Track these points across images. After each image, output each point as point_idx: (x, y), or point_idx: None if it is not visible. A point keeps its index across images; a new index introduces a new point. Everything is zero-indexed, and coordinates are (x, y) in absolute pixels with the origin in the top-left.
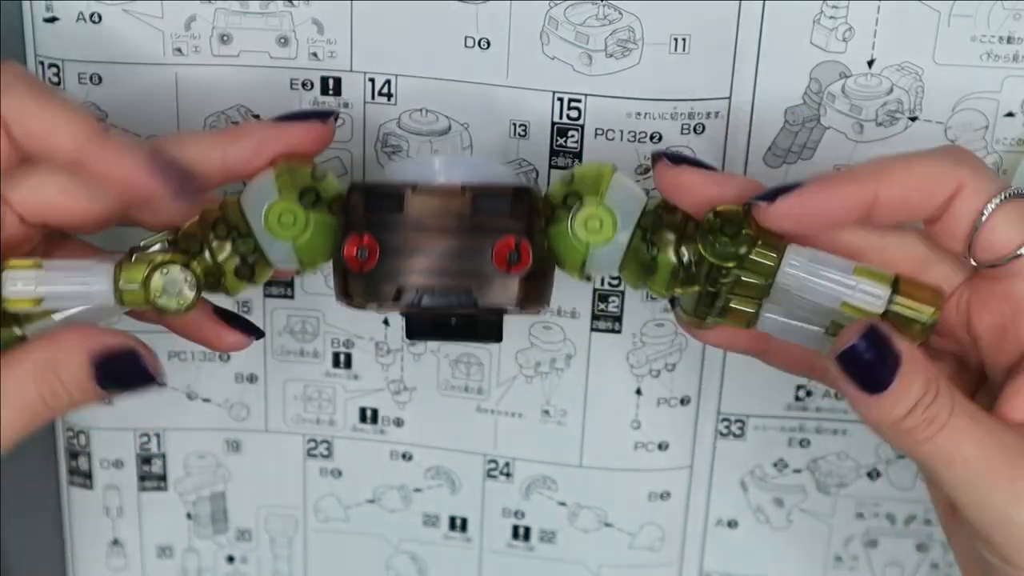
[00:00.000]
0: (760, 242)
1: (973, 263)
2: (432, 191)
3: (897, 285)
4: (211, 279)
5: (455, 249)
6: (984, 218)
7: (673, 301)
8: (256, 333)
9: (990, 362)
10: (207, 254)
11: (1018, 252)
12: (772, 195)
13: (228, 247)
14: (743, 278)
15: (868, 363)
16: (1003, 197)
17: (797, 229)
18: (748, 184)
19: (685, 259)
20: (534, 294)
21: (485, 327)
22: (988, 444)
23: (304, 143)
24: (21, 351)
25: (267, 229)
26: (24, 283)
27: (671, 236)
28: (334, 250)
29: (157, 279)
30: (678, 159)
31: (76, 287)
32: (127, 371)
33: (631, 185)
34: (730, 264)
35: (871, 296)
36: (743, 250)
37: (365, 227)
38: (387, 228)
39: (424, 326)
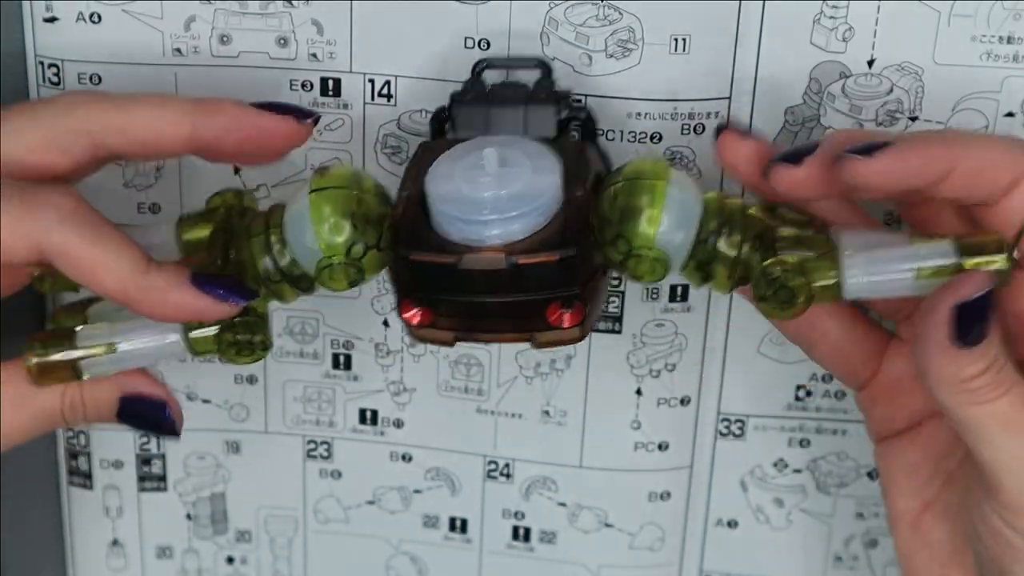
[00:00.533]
0: (813, 282)
1: (1016, 255)
2: (478, 263)
3: (959, 242)
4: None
5: (508, 310)
6: None
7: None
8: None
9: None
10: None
11: None
12: (867, 150)
13: (289, 288)
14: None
15: (976, 317)
16: None
17: (884, 187)
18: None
19: (742, 255)
20: (588, 326)
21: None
22: None
23: (275, 136)
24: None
25: (323, 285)
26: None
27: (726, 263)
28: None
29: (231, 351)
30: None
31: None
32: (150, 417)
33: (688, 192)
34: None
35: (939, 252)
36: (802, 299)
37: (419, 298)
38: (440, 301)
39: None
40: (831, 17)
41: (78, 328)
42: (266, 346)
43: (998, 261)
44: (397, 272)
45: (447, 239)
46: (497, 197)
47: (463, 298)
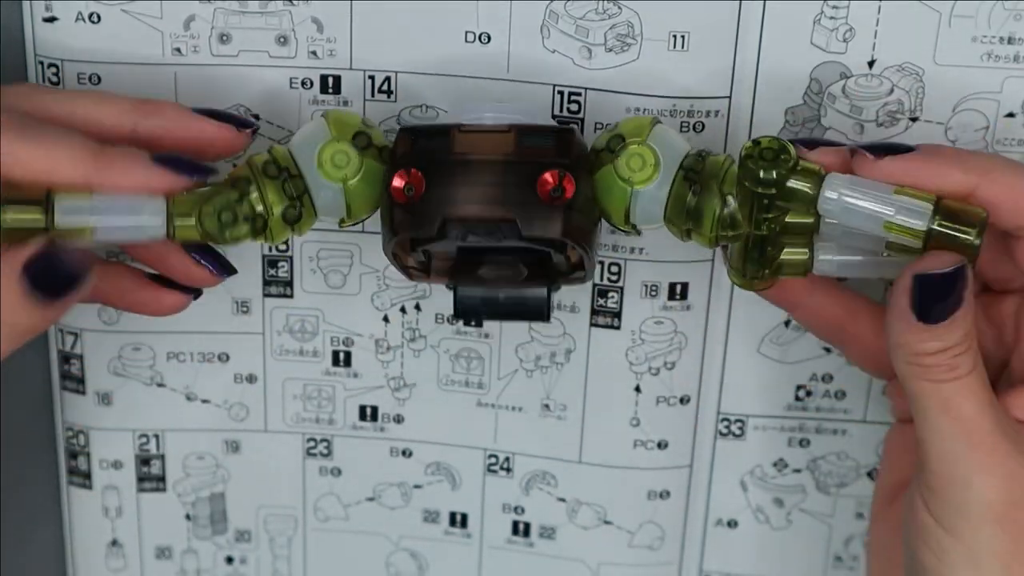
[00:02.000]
0: (799, 168)
1: None
2: (478, 129)
3: (939, 205)
4: (258, 222)
5: (500, 182)
6: None
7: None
8: (221, 270)
9: (1017, 365)
10: (256, 195)
11: None
12: (880, 150)
13: (277, 187)
14: (787, 219)
15: (939, 295)
16: None
17: None
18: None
19: (729, 206)
20: (577, 230)
21: (533, 304)
22: (987, 412)
23: (213, 142)
24: None
25: (320, 170)
26: (78, 214)
27: (713, 182)
28: (382, 191)
29: (210, 210)
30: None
31: (129, 219)
32: (55, 272)
33: (674, 134)
34: (770, 191)
35: (915, 212)
36: (782, 173)
37: (412, 163)
38: (433, 163)
39: (473, 302)
40: (832, 17)
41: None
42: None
43: (970, 234)
44: (395, 150)
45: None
46: (499, 107)
47: (458, 168)
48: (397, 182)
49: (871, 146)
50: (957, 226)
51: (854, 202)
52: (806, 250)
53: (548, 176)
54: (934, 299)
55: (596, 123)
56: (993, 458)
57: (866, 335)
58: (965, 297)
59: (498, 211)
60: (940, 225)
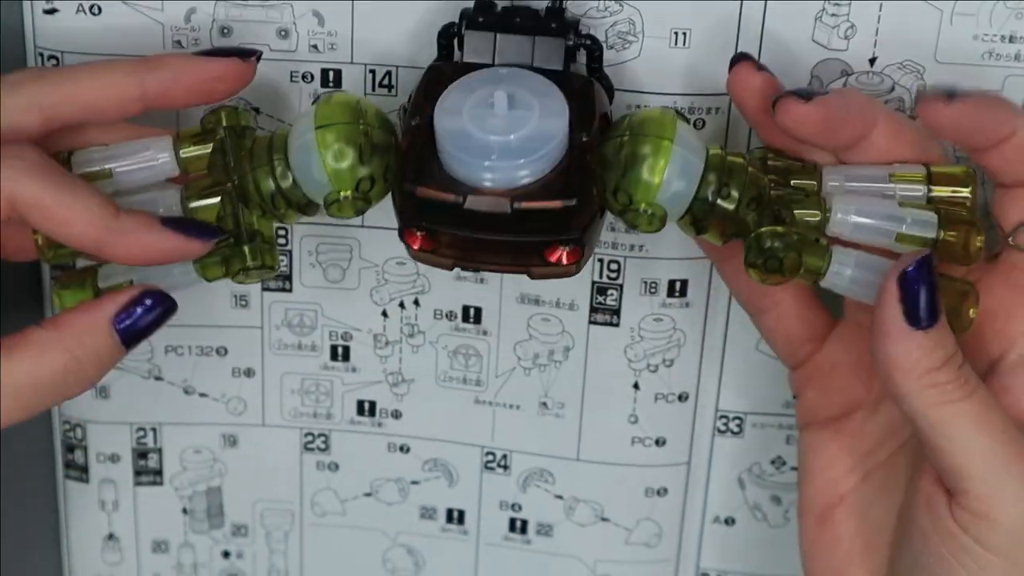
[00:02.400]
0: (805, 263)
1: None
2: (481, 205)
3: (942, 213)
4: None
5: (507, 248)
6: None
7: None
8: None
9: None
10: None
11: None
12: (943, 95)
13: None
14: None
15: (920, 290)
16: None
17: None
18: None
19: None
20: (583, 264)
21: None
22: (1009, 420)
23: (224, 78)
24: (37, 350)
25: (330, 215)
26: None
27: (725, 200)
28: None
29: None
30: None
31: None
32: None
33: (690, 157)
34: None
35: (925, 223)
36: (787, 273)
37: (420, 226)
38: (441, 227)
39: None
40: (833, 15)
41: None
42: (273, 268)
43: (964, 192)
44: (402, 201)
45: (453, 176)
46: (505, 143)
47: (464, 233)
48: (409, 239)
49: (933, 92)
50: (948, 191)
51: (864, 221)
52: (823, 260)
53: (552, 251)
54: (916, 293)
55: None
56: None
57: (783, 303)
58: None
59: (509, 266)
60: (947, 235)
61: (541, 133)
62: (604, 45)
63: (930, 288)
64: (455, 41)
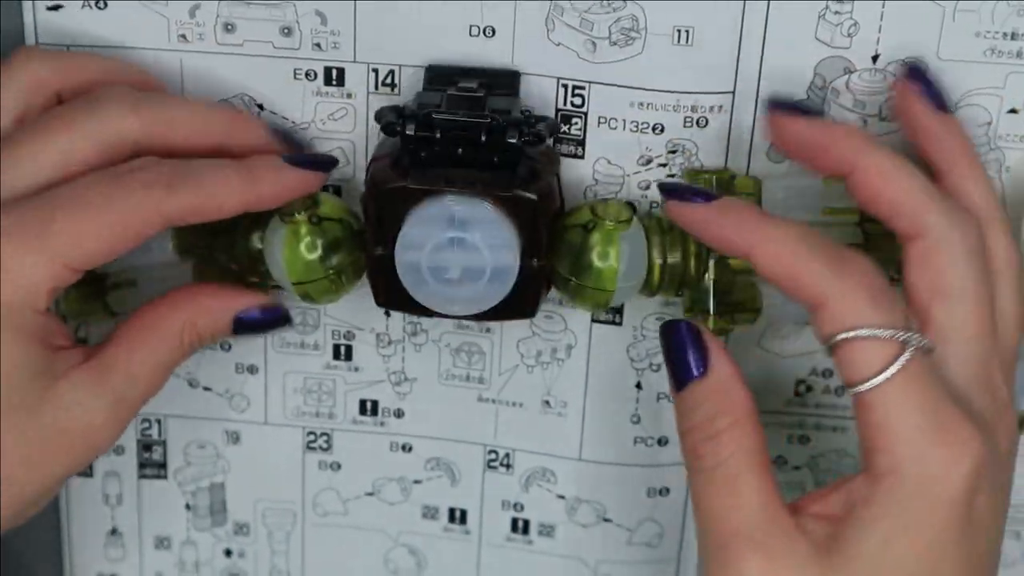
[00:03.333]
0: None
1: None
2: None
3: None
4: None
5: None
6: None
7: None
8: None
9: None
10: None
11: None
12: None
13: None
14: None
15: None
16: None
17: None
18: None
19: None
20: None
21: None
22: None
23: (309, 187)
24: (160, 317)
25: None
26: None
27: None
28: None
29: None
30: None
31: None
32: (263, 326)
33: (636, 260)
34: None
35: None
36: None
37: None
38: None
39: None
40: (836, 12)
41: None
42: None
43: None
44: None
45: (419, 302)
46: (463, 295)
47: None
48: None
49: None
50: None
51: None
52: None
53: None
54: (672, 360)
55: (600, 117)
56: None
57: None
58: (704, 365)
59: None
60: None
61: (496, 270)
62: (558, 124)
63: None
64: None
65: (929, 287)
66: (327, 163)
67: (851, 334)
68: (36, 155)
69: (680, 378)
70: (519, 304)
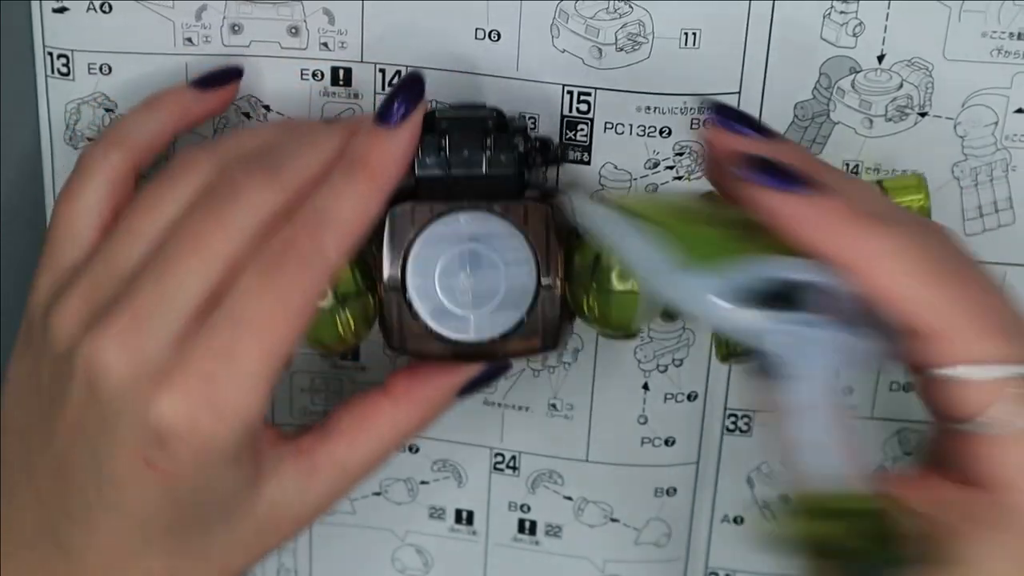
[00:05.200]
0: None
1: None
2: (466, 346)
3: (882, 187)
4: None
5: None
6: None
7: None
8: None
9: None
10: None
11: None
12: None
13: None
14: None
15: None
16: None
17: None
18: None
19: None
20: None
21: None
22: None
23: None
24: (368, 414)
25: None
26: None
27: None
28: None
29: None
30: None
31: None
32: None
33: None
34: None
35: None
36: None
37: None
38: (432, 357)
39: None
40: (841, 12)
41: None
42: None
43: (918, 197)
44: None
45: (434, 331)
46: (478, 315)
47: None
48: None
49: (755, 160)
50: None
51: None
52: None
53: None
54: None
55: (606, 123)
56: None
57: None
58: None
59: None
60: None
61: (511, 288)
62: (559, 146)
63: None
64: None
65: None
66: (413, 87)
67: (964, 373)
68: (197, 269)
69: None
70: (539, 333)
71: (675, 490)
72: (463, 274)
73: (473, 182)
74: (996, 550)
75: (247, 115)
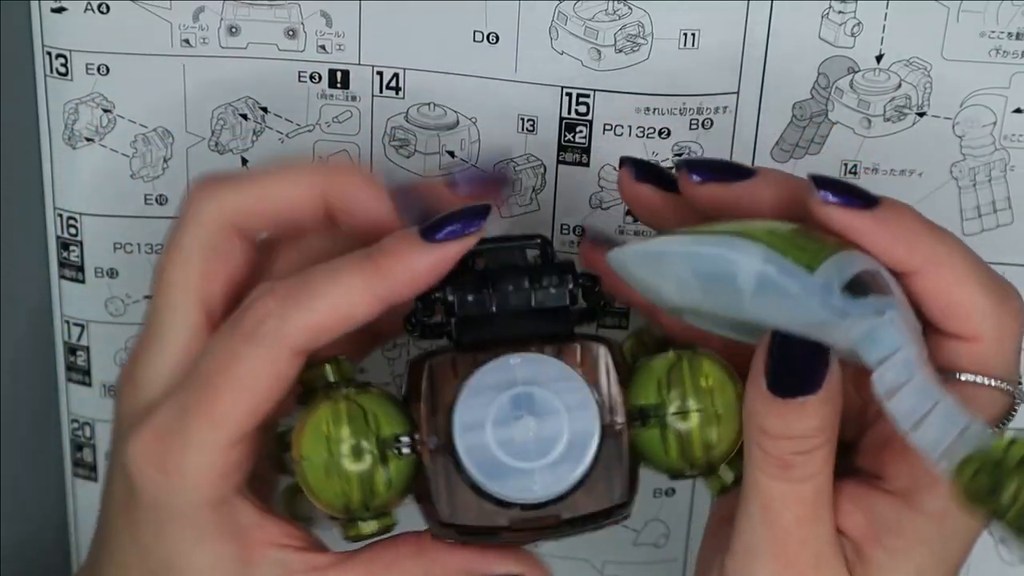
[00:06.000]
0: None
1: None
2: (528, 522)
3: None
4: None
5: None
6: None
7: None
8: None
9: (866, 447)
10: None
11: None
12: (837, 190)
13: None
14: None
15: (794, 367)
16: None
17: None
18: None
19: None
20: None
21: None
22: (807, 529)
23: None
24: (392, 556)
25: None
26: None
27: None
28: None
29: None
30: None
31: None
32: None
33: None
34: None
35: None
36: None
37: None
38: (488, 540)
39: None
40: (840, 12)
41: None
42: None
43: None
44: (439, 530)
45: (484, 490)
46: (542, 467)
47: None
48: None
49: (827, 182)
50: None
51: None
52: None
53: None
54: (788, 370)
55: (604, 124)
56: None
57: None
58: (824, 382)
59: None
60: None
61: (574, 435)
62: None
63: (806, 374)
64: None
65: None
66: (476, 216)
67: (990, 381)
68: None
69: (792, 389)
70: (609, 482)
71: (674, 491)
72: (521, 422)
73: (519, 319)
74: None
75: (244, 116)
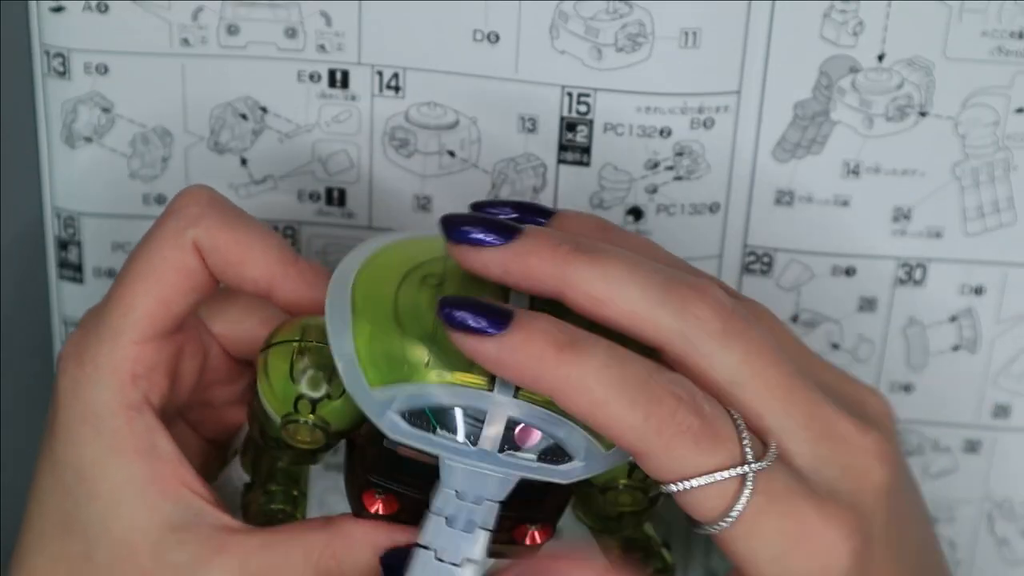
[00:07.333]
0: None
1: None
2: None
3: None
4: None
5: None
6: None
7: None
8: None
9: None
10: None
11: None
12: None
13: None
14: None
15: None
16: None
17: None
18: None
19: None
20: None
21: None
22: None
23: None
24: (299, 529)
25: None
26: None
27: None
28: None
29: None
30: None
31: None
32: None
33: None
34: None
35: None
36: None
37: (381, 487)
38: (412, 492)
39: None
40: (842, 11)
41: None
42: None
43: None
44: (369, 457)
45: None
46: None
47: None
48: (372, 505)
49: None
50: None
51: None
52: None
53: (522, 530)
54: None
55: (606, 124)
56: None
57: None
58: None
59: None
60: None
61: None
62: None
63: None
64: None
65: (716, 388)
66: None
67: (683, 486)
68: None
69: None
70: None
71: None
72: None
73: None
74: None
75: (243, 116)
